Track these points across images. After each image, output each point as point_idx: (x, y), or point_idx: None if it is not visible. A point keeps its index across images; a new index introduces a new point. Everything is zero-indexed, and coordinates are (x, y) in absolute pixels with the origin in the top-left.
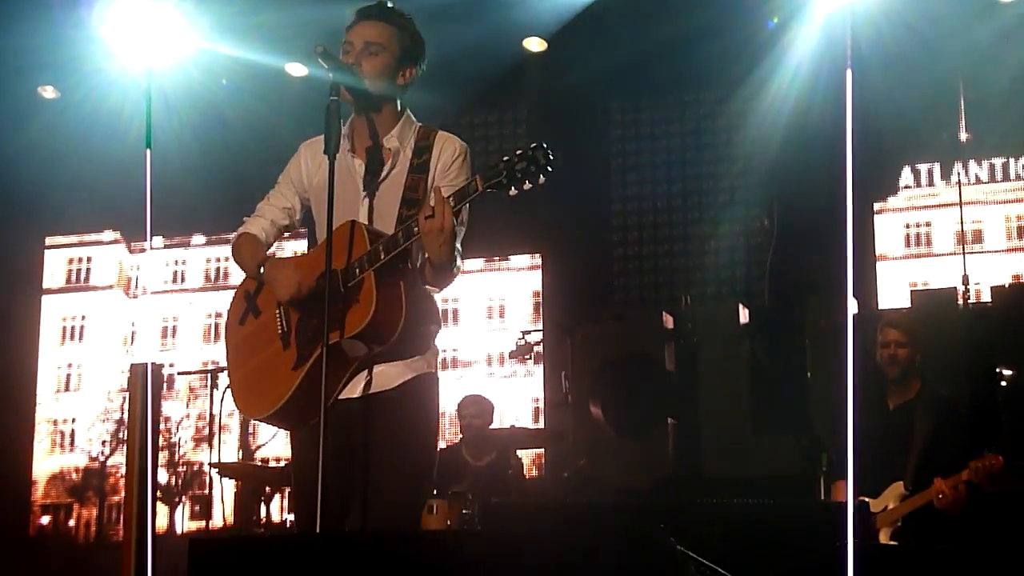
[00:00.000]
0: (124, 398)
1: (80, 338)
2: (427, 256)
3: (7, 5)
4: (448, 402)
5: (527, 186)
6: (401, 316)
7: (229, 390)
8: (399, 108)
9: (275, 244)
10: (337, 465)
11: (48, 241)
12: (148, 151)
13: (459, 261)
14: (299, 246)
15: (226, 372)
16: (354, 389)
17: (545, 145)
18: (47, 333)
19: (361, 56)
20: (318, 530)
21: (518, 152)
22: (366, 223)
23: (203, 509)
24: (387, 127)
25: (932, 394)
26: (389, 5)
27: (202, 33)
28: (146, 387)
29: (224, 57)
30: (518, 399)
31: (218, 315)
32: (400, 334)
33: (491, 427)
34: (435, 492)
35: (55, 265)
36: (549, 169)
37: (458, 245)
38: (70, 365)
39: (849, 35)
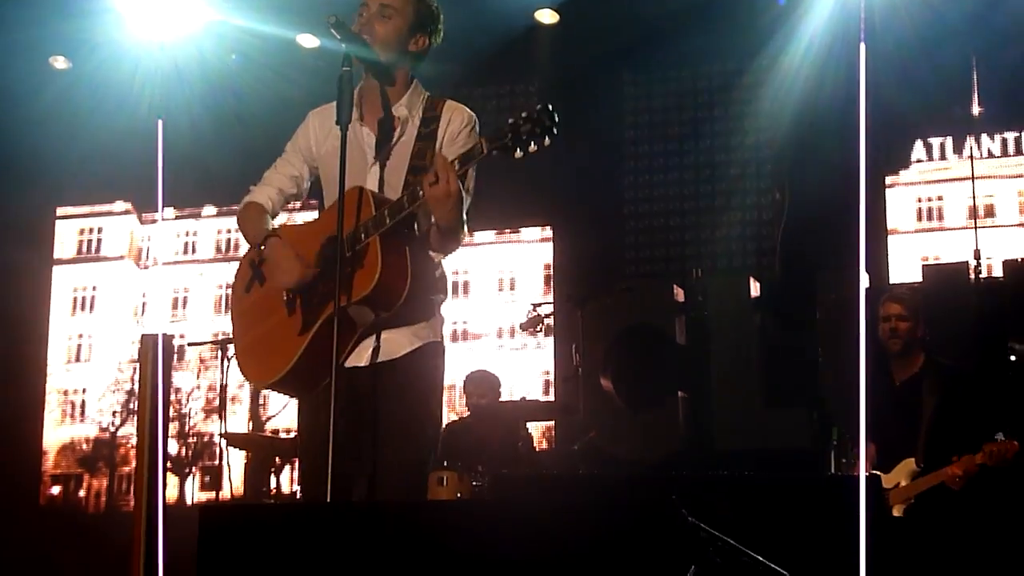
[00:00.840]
0: (135, 369)
1: (91, 308)
2: (434, 221)
3: None
4: (458, 374)
5: (532, 148)
6: (406, 281)
7: (235, 358)
8: (409, 77)
9: (283, 212)
10: (344, 433)
11: (59, 211)
12: (160, 122)
13: (466, 227)
14: (310, 217)
15: (232, 340)
16: (360, 357)
17: (551, 107)
18: (58, 303)
19: (374, 19)
20: (328, 499)
21: (523, 114)
22: (374, 190)
23: (213, 480)
24: (396, 95)
25: (937, 367)
26: None
27: (213, 4)
28: (157, 358)
29: (235, 28)
30: (528, 372)
31: (228, 286)
32: (405, 299)
33: (500, 400)
34: (445, 464)
35: (66, 235)
36: (555, 131)
37: (465, 210)
38: (81, 335)
39: (863, 8)
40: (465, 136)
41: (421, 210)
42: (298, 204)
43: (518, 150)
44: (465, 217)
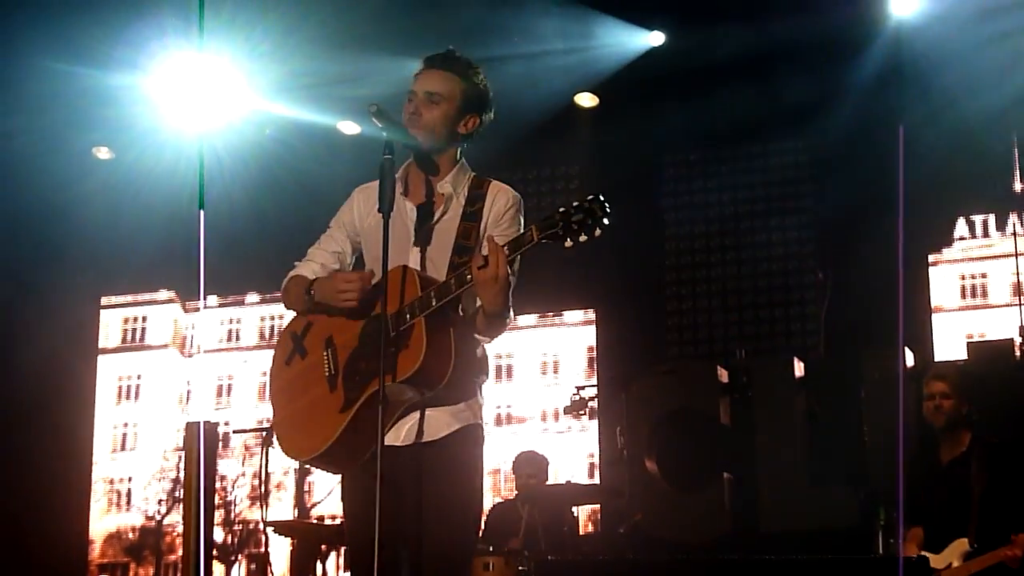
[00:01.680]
0: (180, 457)
1: (136, 397)
2: (480, 305)
3: (62, 65)
4: (503, 458)
5: (583, 238)
6: (450, 363)
7: (273, 430)
8: (456, 155)
9: None
10: (388, 516)
11: (103, 301)
12: (201, 212)
13: (512, 311)
14: None
15: (271, 413)
16: (397, 436)
17: (602, 197)
18: (103, 392)
19: (421, 106)
20: None
21: (574, 204)
22: (417, 268)
23: (259, 568)
24: (442, 173)
25: (985, 445)
26: (456, 54)
27: (255, 92)
28: (201, 446)
29: (276, 116)
30: (573, 455)
31: None
32: (448, 380)
33: (546, 483)
34: (491, 549)
35: (110, 325)
36: (606, 222)
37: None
38: (126, 424)
39: (903, 89)
40: (510, 217)
41: (467, 293)
42: None
43: (568, 239)
44: (511, 302)
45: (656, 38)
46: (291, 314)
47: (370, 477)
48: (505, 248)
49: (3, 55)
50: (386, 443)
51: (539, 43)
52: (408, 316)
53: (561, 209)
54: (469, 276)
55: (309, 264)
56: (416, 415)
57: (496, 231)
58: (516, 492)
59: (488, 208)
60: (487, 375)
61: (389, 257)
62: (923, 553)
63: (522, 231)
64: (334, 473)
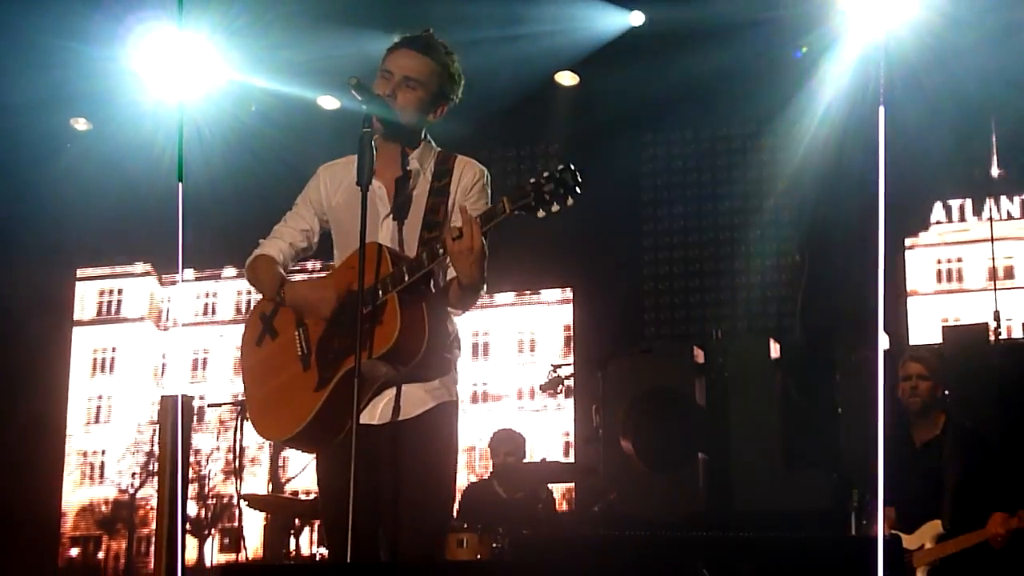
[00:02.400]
0: (154, 430)
1: (111, 370)
2: (456, 277)
3: (41, 38)
4: (479, 436)
5: (555, 208)
6: (424, 338)
7: (247, 411)
8: (423, 133)
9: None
10: (364, 493)
11: (79, 273)
12: (180, 184)
13: (485, 284)
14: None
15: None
16: (372, 415)
17: (573, 166)
18: (78, 365)
19: (398, 88)
20: (348, 559)
21: (545, 174)
22: (390, 244)
23: (232, 542)
24: (409, 150)
25: (958, 429)
26: (435, 38)
27: (234, 66)
28: (176, 419)
29: (256, 89)
30: (549, 433)
31: None
32: (423, 356)
33: (523, 461)
34: (465, 526)
35: (86, 297)
36: (577, 191)
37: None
38: (100, 397)
39: (882, 71)
40: (479, 191)
41: (439, 266)
42: (303, 256)
43: (540, 210)
44: (485, 273)
45: (636, 18)
46: None
47: (346, 454)
48: (478, 220)
49: None
50: (361, 422)
51: (520, 22)
52: (381, 292)
53: (532, 180)
54: (441, 249)
55: (276, 242)
56: (391, 393)
57: (465, 204)
58: (491, 471)
59: (456, 182)
60: (460, 351)
61: (358, 237)
62: (894, 532)
63: (491, 204)
64: (309, 452)
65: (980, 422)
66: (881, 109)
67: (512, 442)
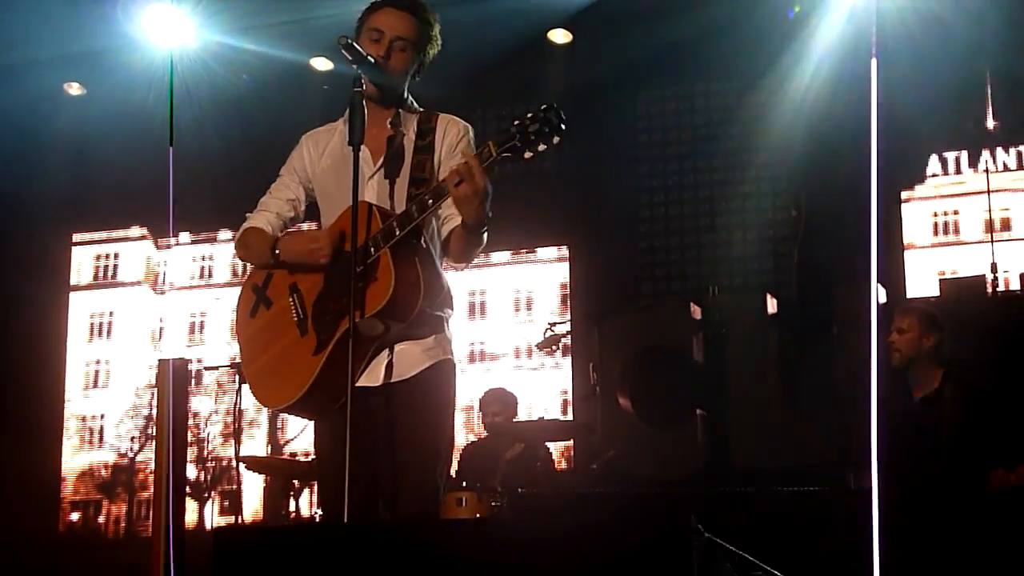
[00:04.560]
0: (152, 394)
1: (108, 334)
2: (456, 227)
3: (33, 2)
4: (476, 395)
5: (542, 147)
6: (420, 292)
7: (247, 384)
8: (404, 94)
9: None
10: (361, 454)
11: (75, 238)
12: (171, 149)
13: (487, 231)
14: None
15: (241, 366)
16: (372, 377)
17: (556, 105)
18: (75, 330)
19: (390, 49)
20: (345, 519)
21: (528, 115)
22: (379, 203)
23: (232, 504)
24: (392, 111)
25: (957, 383)
26: None
27: (225, 28)
28: (174, 383)
29: (247, 52)
30: (546, 391)
31: None
32: (419, 311)
33: (516, 419)
34: (464, 484)
35: (82, 262)
36: (563, 128)
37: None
38: (98, 361)
39: (875, 24)
40: (464, 146)
41: (429, 220)
42: (292, 226)
43: (527, 151)
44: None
45: None
46: None
47: (344, 416)
48: (476, 158)
49: None
50: (360, 383)
51: None
52: (372, 249)
53: (516, 121)
54: (430, 200)
55: (264, 215)
56: (388, 354)
57: (452, 161)
58: (484, 435)
59: (440, 139)
60: (452, 311)
61: (344, 200)
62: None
63: (482, 147)
64: (311, 419)
65: (978, 374)
66: (874, 61)
67: (501, 401)
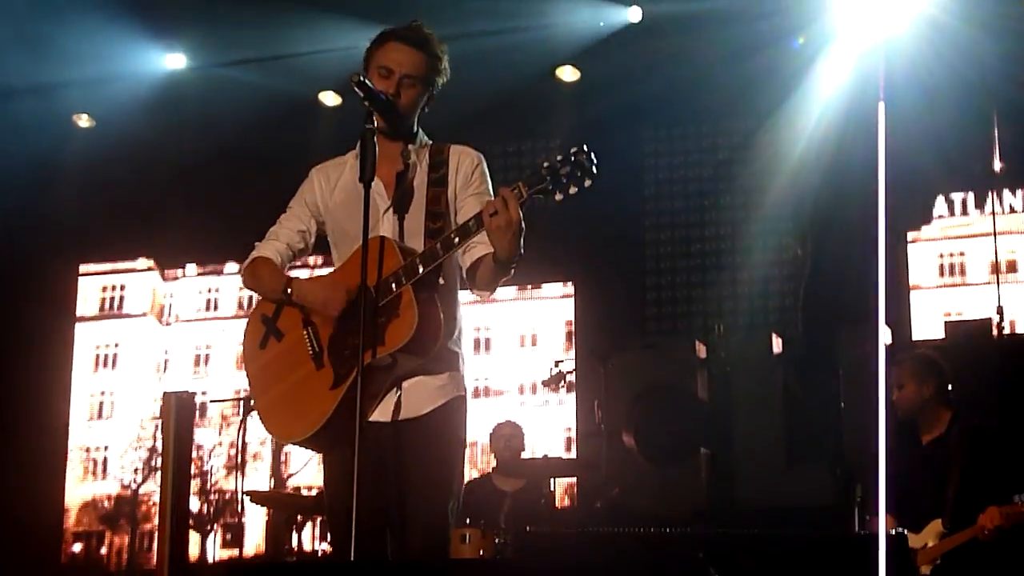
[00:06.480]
0: (157, 426)
1: (113, 366)
2: (485, 256)
3: (45, 35)
4: (481, 431)
5: (573, 190)
6: (440, 329)
7: (258, 416)
8: (414, 127)
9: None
10: (371, 490)
11: (82, 268)
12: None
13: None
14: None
15: (251, 399)
16: (384, 412)
17: (587, 147)
18: (80, 360)
19: (400, 86)
20: (352, 557)
21: (559, 157)
22: (394, 237)
23: (235, 537)
24: (402, 144)
25: (965, 427)
26: (428, 32)
27: (232, 60)
28: (179, 415)
29: (255, 84)
30: (551, 428)
31: None
32: (439, 348)
33: (523, 453)
34: (468, 521)
35: (89, 292)
36: (595, 171)
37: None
38: (103, 393)
39: (882, 67)
40: (479, 176)
41: (466, 248)
42: (300, 258)
43: (558, 193)
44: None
45: (635, 14)
46: None
47: (354, 451)
48: (514, 192)
49: None
50: (373, 419)
51: (519, 16)
52: (394, 285)
53: (546, 164)
54: (456, 239)
55: (273, 244)
56: (401, 390)
57: (468, 192)
58: (494, 466)
59: (454, 171)
60: (461, 346)
61: (359, 234)
62: (901, 530)
63: (513, 187)
64: (325, 453)
65: (985, 417)
66: (881, 104)
67: (512, 431)
